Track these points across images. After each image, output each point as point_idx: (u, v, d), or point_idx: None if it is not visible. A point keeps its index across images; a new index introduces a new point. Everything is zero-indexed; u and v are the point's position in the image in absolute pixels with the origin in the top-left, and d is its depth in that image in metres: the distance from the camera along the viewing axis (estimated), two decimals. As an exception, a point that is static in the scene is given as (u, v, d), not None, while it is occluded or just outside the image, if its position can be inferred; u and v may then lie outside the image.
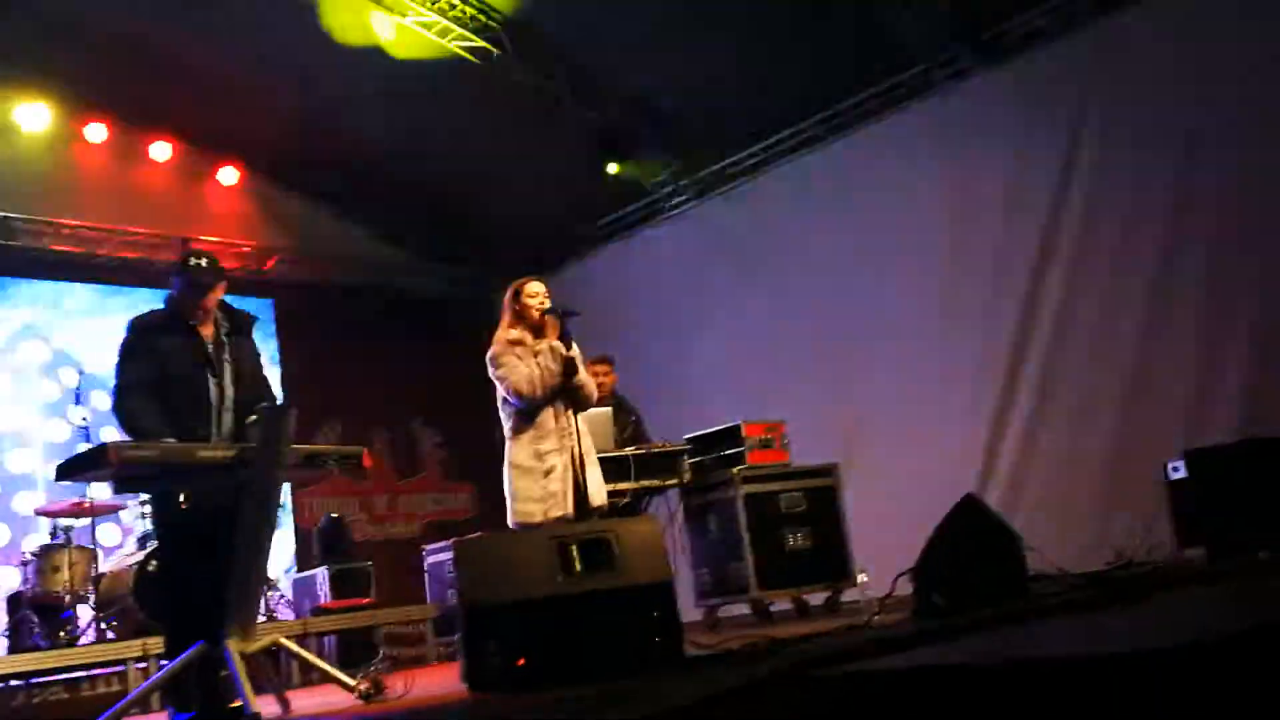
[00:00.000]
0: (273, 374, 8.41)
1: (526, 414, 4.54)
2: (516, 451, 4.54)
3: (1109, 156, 6.57)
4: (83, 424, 6.61)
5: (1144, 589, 3.94)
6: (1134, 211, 6.45)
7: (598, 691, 2.82)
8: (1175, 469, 5.44)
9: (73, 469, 3.54)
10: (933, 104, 7.43)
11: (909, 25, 7.13)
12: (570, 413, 4.62)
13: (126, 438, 3.74)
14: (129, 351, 3.93)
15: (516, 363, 4.53)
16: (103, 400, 6.23)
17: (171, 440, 3.65)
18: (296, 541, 8.69)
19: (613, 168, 8.50)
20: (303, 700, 4.50)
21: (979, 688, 1.97)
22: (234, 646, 3.65)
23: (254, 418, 3.88)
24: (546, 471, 4.47)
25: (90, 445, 4.41)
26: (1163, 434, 6.02)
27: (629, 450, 5.90)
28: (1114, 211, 6.54)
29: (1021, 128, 6.96)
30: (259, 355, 4.28)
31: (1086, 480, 6.45)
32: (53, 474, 3.77)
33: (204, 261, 4.01)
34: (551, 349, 4.58)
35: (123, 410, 3.83)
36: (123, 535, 7.54)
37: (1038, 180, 6.84)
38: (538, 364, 4.53)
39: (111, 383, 3.92)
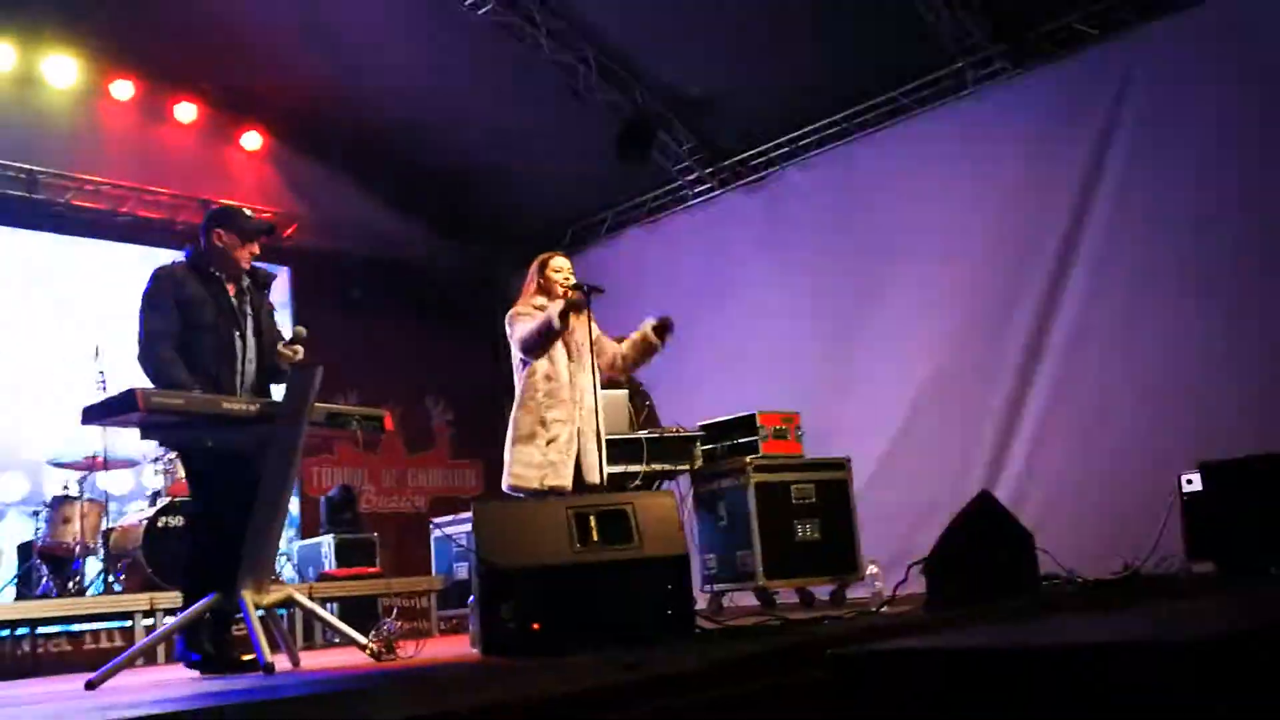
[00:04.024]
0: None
1: (542, 376, 4.53)
2: (522, 417, 4.53)
3: (1137, 163, 6.54)
4: (100, 378, 6.62)
5: (1154, 594, 3.94)
6: (1158, 219, 6.43)
7: (611, 658, 2.83)
8: (1190, 480, 5.41)
9: (100, 413, 3.55)
10: (964, 103, 7.40)
11: (947, 24, 7.11)
12: (585, 386, 4.60)
13: (152, 386, 3.75)
14: (156, 301, 3.94)
15: (530, 322, 4.54)
16: (112, 355, 6.26)
17: (198, 391, 3.68)
18: (304, 509, 8.72)
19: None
20: (311, 660, 4.51)
21: (995, 670, 1.98)
22: (249, 599, 3.67)
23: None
24: (549, 440, 4.45)
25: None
26: (1177, 444, 6.00)
27: (643, 433, 5.91)
28: (1138, 218, 6.52)
29: (1052, 130, 6.91)
30: (274, 313, 4.33)
31: (1096, 487, 6.42)
32: (71, 424, 3.78)
33: (250, 213, 4.21)
34: (565, 297, 4.52)
35: (151, 360, 3.85)
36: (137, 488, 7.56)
37: (1063, 184, 6.80)
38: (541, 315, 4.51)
39: (137, 331, 3.94)
